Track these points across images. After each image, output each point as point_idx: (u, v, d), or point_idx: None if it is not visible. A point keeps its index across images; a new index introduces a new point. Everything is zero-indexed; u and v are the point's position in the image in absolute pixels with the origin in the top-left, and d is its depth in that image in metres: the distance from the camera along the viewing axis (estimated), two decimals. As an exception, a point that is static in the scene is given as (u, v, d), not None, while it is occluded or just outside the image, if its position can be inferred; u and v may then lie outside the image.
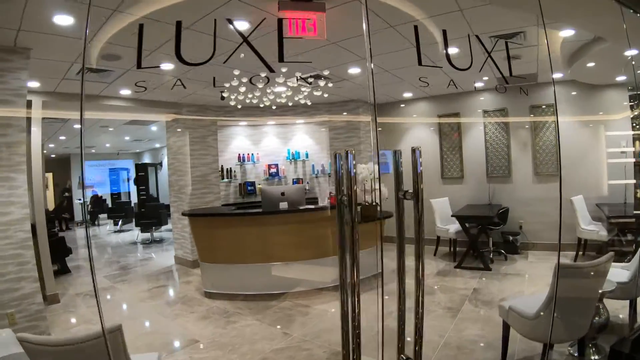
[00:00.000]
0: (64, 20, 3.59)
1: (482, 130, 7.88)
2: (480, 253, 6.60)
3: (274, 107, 7.79)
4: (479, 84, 7.43)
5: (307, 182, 8.94)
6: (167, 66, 5.25)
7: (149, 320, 5.20)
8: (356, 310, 1.75)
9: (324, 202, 6.03)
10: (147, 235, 10.41)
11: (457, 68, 3.48)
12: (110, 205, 14.42)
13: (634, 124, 7.09)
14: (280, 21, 2.90)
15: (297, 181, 8.85)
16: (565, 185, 7.07)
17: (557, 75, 6.86)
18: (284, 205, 5.92)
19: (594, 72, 6.28)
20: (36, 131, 5.80)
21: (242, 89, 6.03)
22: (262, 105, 7.29)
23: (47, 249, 5.64)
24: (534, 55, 5.49)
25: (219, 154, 8.41)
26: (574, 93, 7.23)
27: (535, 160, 7.44)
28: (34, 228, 5.67)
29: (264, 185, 8.68)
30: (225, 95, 6.37)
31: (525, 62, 5.82)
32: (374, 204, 6.12)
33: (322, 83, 6.42)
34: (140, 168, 13.05)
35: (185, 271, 7.25)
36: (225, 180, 8.61)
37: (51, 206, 13.58)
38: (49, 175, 14.08)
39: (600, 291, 3.25)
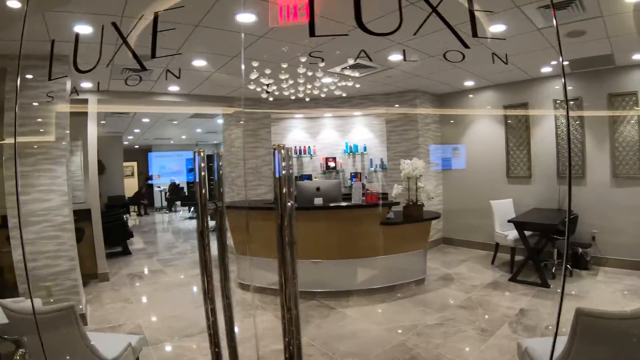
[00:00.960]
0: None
1: (554, 123, 7.15)
2: (539, 266, 5.98)
3: (322, 96, 7.63)
4: (546, 69, 6.77)
5: (366, 177, 8.75)
6: (199, 63, 5.61)
7: (177, 305, 5.54)
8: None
9: (358, 200, 5.97)
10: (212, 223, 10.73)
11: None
12: (186, 194, 15.27)
13: None
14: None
15: (354, 175, 8.70)
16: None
17: (638, 57, 6.06)
18: (318, 201, 5.84)
19: None
20: (92, 125, 6.49)
21: (288, 83, 6.23)
22: (307, 100, 7.27)
23: (101, 232, 6.37)
24: (601, 29, 4.78)
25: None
26: None
27: (614, 160, 6.58)
28: (88, 213, 6.42)
29: (321, 179, 8.70)
30: (268, 90, 6.59)
31: (593, 39, 5.12)
32: (418, 203, 5.98)
33: (356, 74, 6.41)
34: (208, 159, 13.59)
35: (234, 261, 7.54)
36: None
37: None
38: (134, 165, 15.57)
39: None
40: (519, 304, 5.16)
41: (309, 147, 8.90)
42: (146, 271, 7.28)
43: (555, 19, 4.46)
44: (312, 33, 2.49)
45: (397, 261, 5.73)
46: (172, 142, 15.12)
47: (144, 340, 3.36)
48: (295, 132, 8.99)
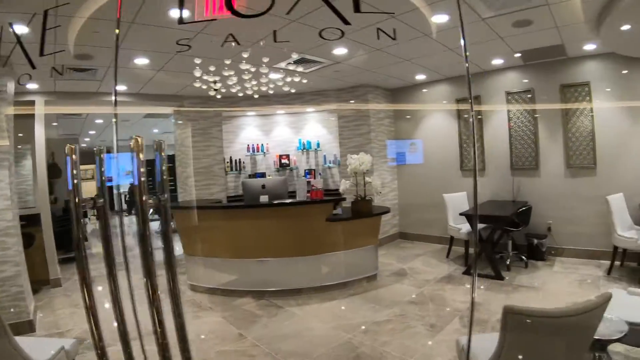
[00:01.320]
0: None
1: (506, 115, 7.15)
2: (492, 259, 5.92)
3: (271, 93, 7.50)
4: (497, 61, 6.73)
5: (320, 173, 8.67)
6: (141, 61, 5.47)
7: (126, 308, 5.43)
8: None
9: (302, 196, 5.92)
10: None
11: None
12: (148, 195, 14.82)
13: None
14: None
15: (309, 172, 8.60)
16: (602, 181, 6.34)
17: (590, 47, 6.02)
18: (264, 198, 5.78)
19: (634, 38, 5.24)
20: (39, 128, 6.35)
21: (232, 80, 6.13)
22: (257, 97, 7.11)
23: (52, 237, 6.22)
24: (548, 19, 4.74)
25: (227, 145, 8.49)
26: (613, 68, 6.24)
27: (568, 150, 6.59)
28: (38, 217, 6.28)
29: (274, 175, 8.60)
30: (215, 87, 6.49)
31: (541, 29, 5.09)
32: (367, 198, 5.93)
33: (300, 69, 6.33)
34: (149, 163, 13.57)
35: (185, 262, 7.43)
36: (234, 172, 8.55)
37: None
38: (94, 167, 15.14)
39: (597, 338, 2.37)
40: (470, 297, 5.13)
41: (262, 144, 8.77)
42: (99, 275, 7.07)
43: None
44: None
45: (347, 258, 5.65)
46: (130, 143, 14.37)
47: (76, 345, 3.28)
48: (248, 130, 8.87)
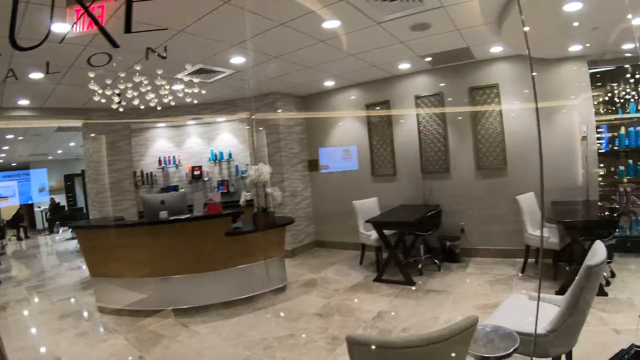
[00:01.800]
0: None
1: (415, 119, 7.19)
2: (401, 264, 5.92)
3: (173, 104, 7.30)
4: (404, 65, 6.73)
5: (232, 184, 8.60)
6: (36, 75, 5.29)
7: (35, 334, 5.22)
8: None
9: (199, 211, 5.85)
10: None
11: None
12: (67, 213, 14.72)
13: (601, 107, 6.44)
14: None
15: (221, 183, 8.54)
16: (513, 181, 6.45)
17: (497, 49, 6.14)
18: (163, 214, 5.59)
19: (535, 39, 5.37)
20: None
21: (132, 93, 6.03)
22: (159, 108, 6.84)
23: None
24: (447, 22, 4.76)
25: (138, 159, 8.34)
26: (521, 70, 6.37)
27: (478, 152, 6.69)
28: None
29: (187, 189, 8.51)
30: (117, 100, 6.37)
31: (443, 32, 5.12)
32: (269, 210, 5.90)
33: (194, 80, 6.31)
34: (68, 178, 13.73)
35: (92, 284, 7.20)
36: (146, 186, 8.38)
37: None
38: (14, 184, 14.90)
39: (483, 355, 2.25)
40: (378, 306, 5.08)
41: (174, 156, 8.63)
42: (11, 301, 6.87)
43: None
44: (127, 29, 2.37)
45: (252, 271, 5.55)
46: (50, 157, 14.49)
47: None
48: (160, 142, 8.71)
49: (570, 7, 4.11)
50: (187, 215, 5.67)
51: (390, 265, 6.08)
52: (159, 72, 5.42)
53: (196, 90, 6.40)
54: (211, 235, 5.39)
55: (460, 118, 6.87)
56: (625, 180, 6.33)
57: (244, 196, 5.78)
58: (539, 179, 6.25)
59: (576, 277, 2.52)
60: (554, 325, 2.58)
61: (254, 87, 7.28)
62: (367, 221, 6.26)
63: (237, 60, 5.58)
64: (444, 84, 6.97)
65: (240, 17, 4.18)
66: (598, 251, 2.63)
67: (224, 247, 5.43)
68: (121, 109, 6.71)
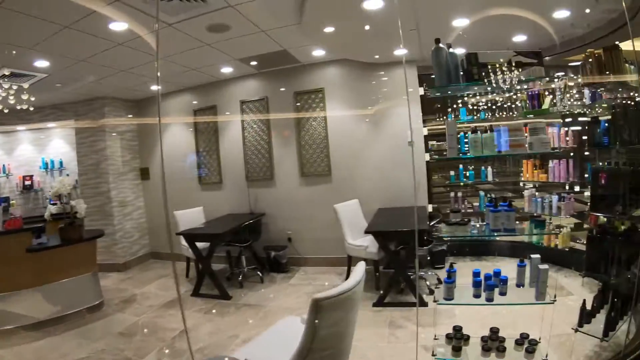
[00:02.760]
0: None
1: (240, 125, 7.18)
2: (213, 277, 5.83)
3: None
4: (227, 69, 6.69)
5: (67, 195, 8.32)
6: None
7: None
8: None
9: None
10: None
11: None
12: None
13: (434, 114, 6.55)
14: None
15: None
16: (338, 188, 6.52)
17: (319, 53, 6.15)
18: None
19: (355, 43, 5.59)
20: None
21: None
22: None
23: None
24: (245, 23, 4.73)
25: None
26: (347, 74, 6.50)
27: (302, 158, 6.72)
28: None
29: (18, 200, 8.14)
30: None
31: (248, 34, 5.10)
32: (75, 223, 5.79)
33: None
34: None
35: None
36: None
37: None
38: None
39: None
40: (187, 322, 5.01)
41: (3, 165, 8.22)
42: None
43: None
44: None
45: (60, 289, 5.35)
46: None
47: None
48: (-12, 151, 8.29)
49: (369, 5, 4.24)
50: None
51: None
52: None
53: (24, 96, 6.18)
54: (12, 253, 5.25)
55: (284, 124, 6.88)
56: (461, 183, 6.49)
57: (49, 209, 5.67)
58: (363, 186, 6.37)
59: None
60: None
61: (77, 92, 7.07)
62: (177, 233, 6.21)
63: (42, 63, 5.46)
64: (269, 89, 6.98)
65: (22, 21, 4.10)
66: (354, 274, 2.45)
67: (27, 265, 5.26)
68: None
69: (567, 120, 5.54)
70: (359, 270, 2.47)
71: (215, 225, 6.46)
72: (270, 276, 6.46)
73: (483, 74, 3.20)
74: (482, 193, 6.53)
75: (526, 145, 3.27)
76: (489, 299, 3.06)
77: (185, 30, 4.84)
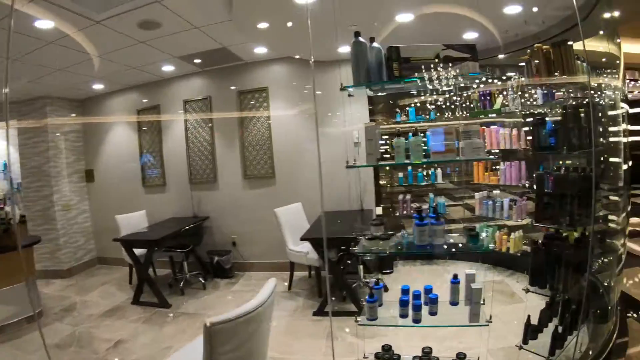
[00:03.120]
0: None
1: (183, 125, 7.00)
2: (152, 285, 5.71)
3: None
4: (168, 68, 6.50)
5: (9, 198, 7.74)
6: None
7: None
8: None
9: None
10: None
11: None
12: None
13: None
14: None
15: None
16: (281, 191, 6.39)
17: (261, 51, 6.00)
18: None
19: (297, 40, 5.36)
20: None
21: None
22: None
23: None
24: (175, 19, 4.62)
25: None
26: (291, 73, 6.36)
27: (245, 160, 6.57)
28: None
29: None
30: None
31: (184, 30, 4.97)
32: (10, 230, 5.68)
33: None
34: None
35: None
36: None
37: None
38: None
39: None
40: (120, 333, 4.82)
41: None
42: None
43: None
44: None
45: None
46: None
47: None
48: None
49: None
50: None
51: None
52: None
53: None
54: None
55: (228, 124, 6.73)
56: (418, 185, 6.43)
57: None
58: (308, 189, 6.23)
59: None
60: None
61: (17, 92, 6.96)
62: (114, 240, 6.08)
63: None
64: (212, 88, 6.81)
65: None
66: (260, 293, 2.36)
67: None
68: None
69: (529, 120, 5.26)
70: (267, 289, 2.38)
71: (155, 231, 6.28)
72: (214, 282, 6.33)
73: (406, 70, 2.86)
74: (431, 195, 6.39)
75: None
76: (416, 320, 2.88)
77: (116, 27, 4.74)
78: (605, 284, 3.89)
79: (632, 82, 10.62)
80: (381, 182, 6.65)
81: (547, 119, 3.71)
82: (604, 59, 4.31)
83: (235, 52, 6.01)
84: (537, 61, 3.53)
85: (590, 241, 2.84)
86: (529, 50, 3.30)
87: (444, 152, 2.87)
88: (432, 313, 2.88)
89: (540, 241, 3.37)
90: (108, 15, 4.40)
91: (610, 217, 4.17)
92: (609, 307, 3.79)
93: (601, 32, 4.35)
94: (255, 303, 2.18)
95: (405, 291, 2.92)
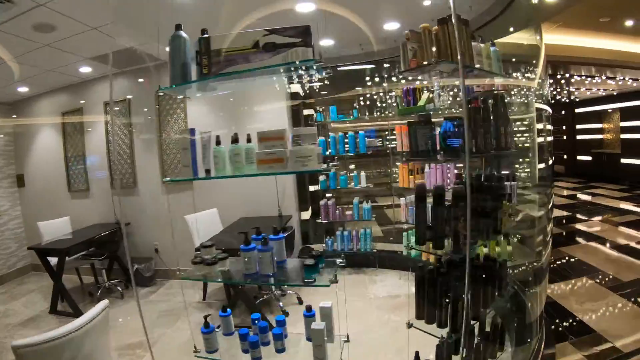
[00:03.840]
0: None
1: (104, 128, 6.92)
2: (64, 293, 5.70)
3: None
4: (85, 69, 6.38)
5: None
6: None
7: None
8: None
9: None
10: None
11: None
12: None
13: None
14: None
15: None
16: (200, 196, 6.35)
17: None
18: None
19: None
20: None
21: None
22: None
23: None
24: (69, 21, 4.55)
25: None
26: None
27: (163, 164, 6.43)
28: None
29: None
30: None
31: (83, 31, 4.91)
32: None
33: None
34: None
35: None
36: None
37: None
38: None
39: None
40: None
41: None
42: None
43: None
44: None
45: None
46: None
47: None
48: None
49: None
50: None
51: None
52: None
53: None
54: None
55: (146, 125, 6.67)
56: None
57: None
58: (226, 193, 6.12)
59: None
60: None
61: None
62: (28, 248, 6.11)
63: None
64: (132, 89, 6.72)
65: None
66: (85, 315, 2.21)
67: None
68: None
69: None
70: (93, 311, 2.28)
71: (71, 238, 6.27)
72: (134, 290, 6.28)
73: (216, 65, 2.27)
74: (355, 200, 6.17)
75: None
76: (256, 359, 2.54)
77: (13, 32, 4.73)
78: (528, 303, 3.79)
79: (589, 79, 10.06)
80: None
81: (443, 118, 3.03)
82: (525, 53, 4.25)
83: (150, 52, 5.86)
84: (414, 45, 2.82)
85: (467, 268, 2.15)
86: (406, 32, 2.63)
87: (269, 162, 2.30)
88: (279, 350, 2.57)
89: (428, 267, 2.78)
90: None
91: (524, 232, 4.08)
92: (531, 323, 3.69)
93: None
94: (69, 327, 2.04)
95: (253, 319, 2.68)
